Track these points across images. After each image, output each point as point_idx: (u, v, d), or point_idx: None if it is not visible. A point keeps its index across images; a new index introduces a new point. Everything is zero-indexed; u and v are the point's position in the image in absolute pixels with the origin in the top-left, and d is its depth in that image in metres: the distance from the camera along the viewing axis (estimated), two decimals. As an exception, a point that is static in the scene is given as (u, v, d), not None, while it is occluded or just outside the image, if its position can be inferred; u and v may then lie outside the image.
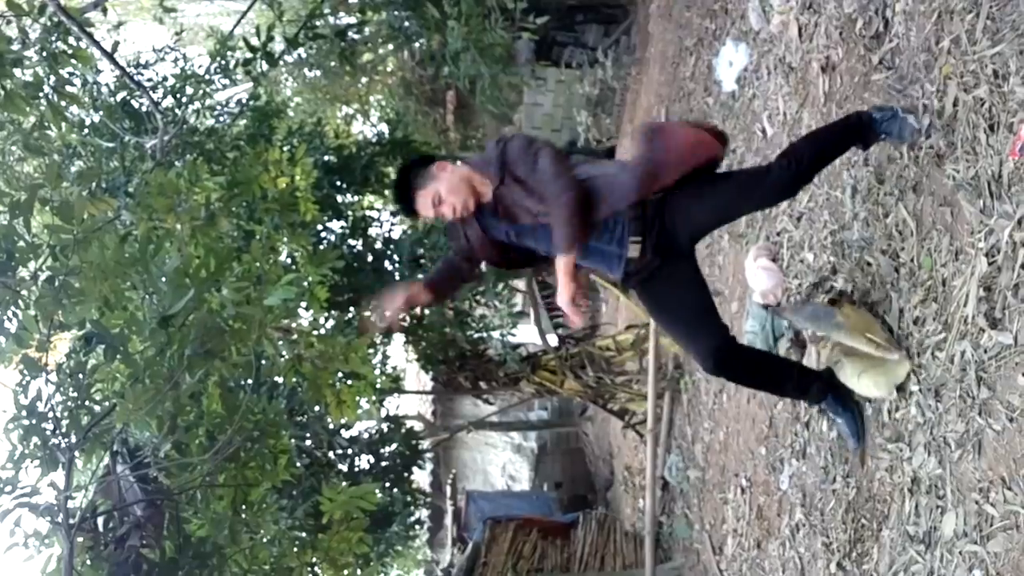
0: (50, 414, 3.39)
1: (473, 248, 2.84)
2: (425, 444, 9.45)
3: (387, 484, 7.92)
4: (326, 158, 7.78)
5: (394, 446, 8.13)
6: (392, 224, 9.08)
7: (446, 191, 2.65)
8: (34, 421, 3.35)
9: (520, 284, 8.78)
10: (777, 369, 3.04)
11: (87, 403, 3.56)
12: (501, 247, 2.83)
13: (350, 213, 8.28)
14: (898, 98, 2.99)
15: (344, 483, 4.99)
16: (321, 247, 7.13)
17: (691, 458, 5.82)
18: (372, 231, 8.41)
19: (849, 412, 3.05)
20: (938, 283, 2.65)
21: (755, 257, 4.05)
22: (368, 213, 8.68)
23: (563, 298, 2.55)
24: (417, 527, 8.98)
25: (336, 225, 8.19)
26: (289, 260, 6.13)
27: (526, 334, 9.55)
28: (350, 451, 7.89)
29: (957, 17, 2.67)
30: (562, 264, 2.53)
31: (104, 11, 7.63)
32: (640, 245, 2.63)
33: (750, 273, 4.04)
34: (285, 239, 5.34)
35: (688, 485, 5.80)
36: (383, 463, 8.09)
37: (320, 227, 7.80)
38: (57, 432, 3.37)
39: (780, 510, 3.85)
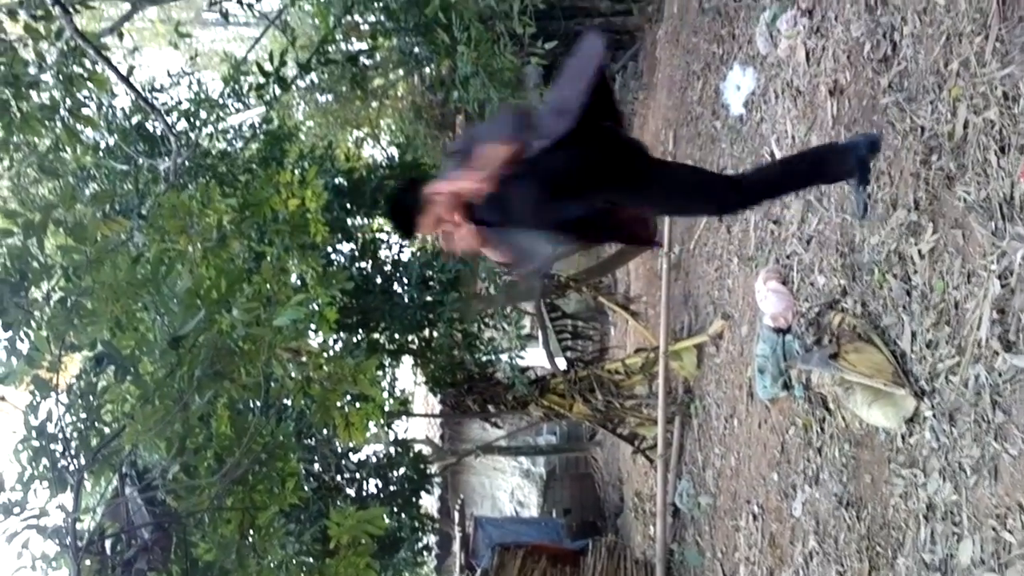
0: (60, 435, 3.38)
1: None
2: (433, 468, 9.39)
3: (395, 509, 7.86)
4: (336, 181, 7.81)
5: (402, 470, 8.08)
6: (401, 246, 9.11)
7: (445, 212, 2.73)
8: (44, 442, 3.35)
9: (529, 307, 8.76)
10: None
11: (97, 424, 3.56)
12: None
13: (360, 235, 8.29)
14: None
15: (352, 507, 4.96)
16: (331, 269, 7.14)
17: (702, 484, 5.76)
18: (381, 253, 8.42)
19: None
20: (950, 306, 2.63)
21: (765, 280, 4.05)
22: (378, 235, 8.70)
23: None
24: (425, 553, 8.89)
25: (346, 247, 8.21)
26: (299, 281, 6.15)
27: (535, 357, 9.51)
28: (358, 475, 7.84)
29: (966, 39, 2.67)
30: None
31: (120, 36, 7.74)
32: None
33: (760, 296, 4.03)
34: (295, 261, 5.36)
35: (699, 512, 5.74)
36: (391, 487, 8.03)
37: (330, 249, 7.82)
38: (66, 453, 3.36)
39: (793, 538, 3.81)
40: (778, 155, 4.50)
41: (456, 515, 10.50)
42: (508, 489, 13.23)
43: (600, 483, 12.07)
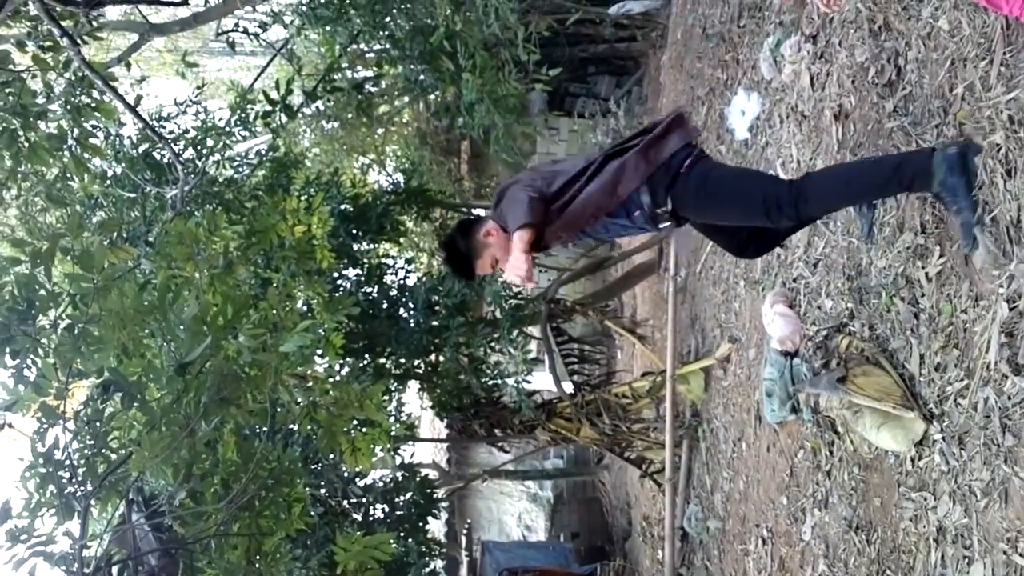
0: (67, 462, 3.39)
1: None
2: (440, 493, 9.35)
3: (402, 534, 7.82)
4: (342, 207, 7.86)
5: (409, 495, 8.05)
6: (407, 272, 9.14)
7: (501, 254, 2.82)
8: (51, 469, 3.35)
9: (535, 331, 8.76)
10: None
11: (104, 451, 3.56)
12: None
13: (365, 261, 8.33)
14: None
15: (359, 532, 4.93)
16: (337, 294, 7.16)
17: (711, 508, 5.72)
18: (387, 278, 8.45)
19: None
20: (959, 329, 2.62)
21: (772, 303, 4.04)
22: (383, 260, 8.74)
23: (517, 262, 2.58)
24: (432, 578, 8.83)
25: (352, 272, 8.24)
26: (305, 307, 6.16)
27: (541, 381, 9.50)
28: (365, 500, 7.81)
29: (971, 64, 2.69)
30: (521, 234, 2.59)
31: (128, 66, 7.84)
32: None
33: (767, 319, 4.02)
34: (301, 286, 5.38)
35: (708, 536, 5.70)
36: (398, 512, 8.00)
37: (336, 274, 7.85)
38: (73, 480, 3.36)
39: (803, 562, 3.77)
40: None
41: (463, 540, 10.46)
42: (515, 513, 13.15)
43: (608, 507, 11.99)
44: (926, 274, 2.85)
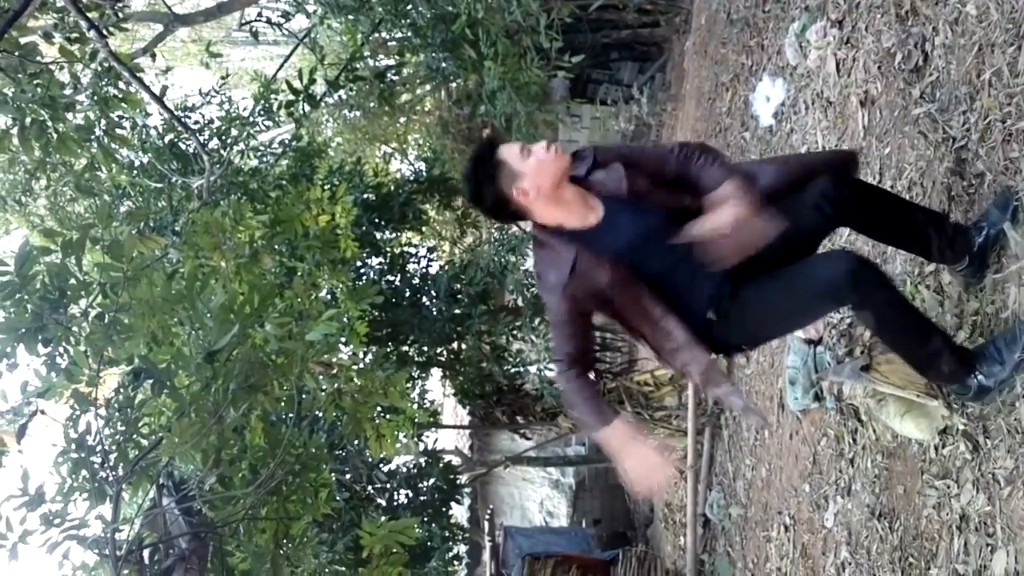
0: (99, 448, 3.46)
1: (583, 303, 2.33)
2: (463, 479, 9.42)
3: (425, 519, 7.90)
4: (365, 196, 7.90)
5: (432, 480, 8.12)
6: (429, 260, 9.18)
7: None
8: (83, 454, 3.43)
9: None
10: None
11: (135, 437, 3.63)
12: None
13: (388, 250, 8.38)
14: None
15: (383, 517, 5.00)
16: (360, 283, 7.23)
17: (733, 495, 5.73)
18: (410, 267, 8.50)
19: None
20: (984, 317, 2.61)
21: (795, 291, 4.02)
22: (406, 249, 8.78)
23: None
24: (456, 563, 8.91)
25: (375, 261, 8.29)
26: (329, 296, 6.23)
27: (563, 369, 9.51)
28: (389, 485, 7.89)
29: (998, 50, 2.66)
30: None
31: (153, 57, 7.90)
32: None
33: (790, 307, 4.00)
34: (326, 275, 5.44)
35: (730, 523, 5.71)
36: (421, 498, 8.07)
37: (359, 263, 7.90)
38: (105, 465, 3.44)
39: (825, 548, 3.78)
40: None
41: (486, 525, 10.50)
42: (537, 499, 13.20)
43: (630, 493, 12.01)
44: (951, 261, 2.83)
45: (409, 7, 7.27)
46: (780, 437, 4.68)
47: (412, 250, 9.09)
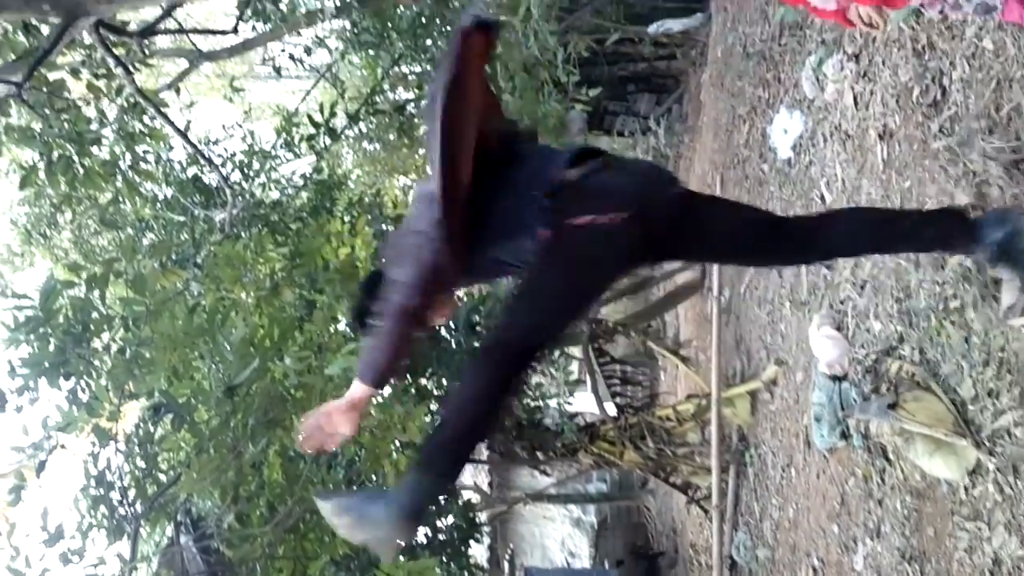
0: (118, 483, 3.46)
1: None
2: (482, 517, 9.32)
3: (444, 559, 7.80)
4: (384, 227, 7.94)
5: (451, 518, 8.03)
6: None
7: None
8: (103, 491, 3.43)
9: (576, 352, 8.73)
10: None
11: (154, 472, 3.63)
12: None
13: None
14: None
15: (402, 557, 4.94)
16: (380, 316, 7.21)
17: (760, 536, 5.62)
18: (429, 300, 8.49)
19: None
20: (1011, 354, 2.56)
21: (819, 326, 3.99)
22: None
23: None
24: (475, 603, 8.79)
25: (394, 294, 8.29)
26: (349, 329, 6.22)
27: (583, 403, 9.44)
28: (407, 522, 7.81)
29: (1016, 84, 2.64)
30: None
31: (177, 91, 8.04)
32: None
33: (815, 342, 3.97)
34: (345, 309, 5.43)
35: (757, 565, 5.59)
36: (440, 536, 7.98)
37: (379, 296, 7.90)
38: (124, 502, 3.43)
39: (853, 590, 3.69)
40: (828, 199, 4.45)
41: (506, 565, 10.39)
42: (558, 538, 13.04)
43: (653, 533, 11.83)
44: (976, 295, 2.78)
45: (428, 41, 7.36)
46: (807, 476, 4.60)
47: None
